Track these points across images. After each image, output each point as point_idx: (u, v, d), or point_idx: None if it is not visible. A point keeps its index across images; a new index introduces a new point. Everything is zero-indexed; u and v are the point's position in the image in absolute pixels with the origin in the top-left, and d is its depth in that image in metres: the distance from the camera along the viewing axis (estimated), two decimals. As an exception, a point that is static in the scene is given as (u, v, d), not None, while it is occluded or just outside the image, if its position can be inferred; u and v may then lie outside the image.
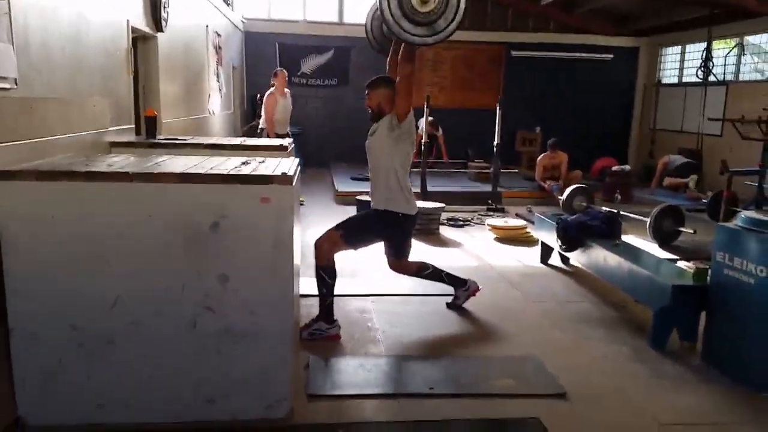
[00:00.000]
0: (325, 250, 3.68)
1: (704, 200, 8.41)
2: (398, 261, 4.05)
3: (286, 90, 8.31)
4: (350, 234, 3.77)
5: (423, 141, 8.57)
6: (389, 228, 3.84)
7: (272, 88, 8.14)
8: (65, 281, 2.55)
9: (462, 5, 3.30)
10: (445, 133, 11.27)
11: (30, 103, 2.93)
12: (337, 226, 3.79)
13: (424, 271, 4.16)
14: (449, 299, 4.36)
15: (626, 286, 4.19)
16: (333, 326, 3.71)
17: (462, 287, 4.27)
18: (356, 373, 3.25)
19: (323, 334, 3.67)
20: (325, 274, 3.67)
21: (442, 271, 4.21)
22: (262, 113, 8.20)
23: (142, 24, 4.97)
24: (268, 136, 7.75)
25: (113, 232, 2.55)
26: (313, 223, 7.07)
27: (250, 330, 2.67)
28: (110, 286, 2.58)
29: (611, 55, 12.91)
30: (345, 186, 9.20)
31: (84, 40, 3.70)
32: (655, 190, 10.04)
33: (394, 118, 3.66)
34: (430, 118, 9.12)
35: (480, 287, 4.34)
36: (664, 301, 3.60)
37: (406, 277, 4.32)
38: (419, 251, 5.95)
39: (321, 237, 3.73)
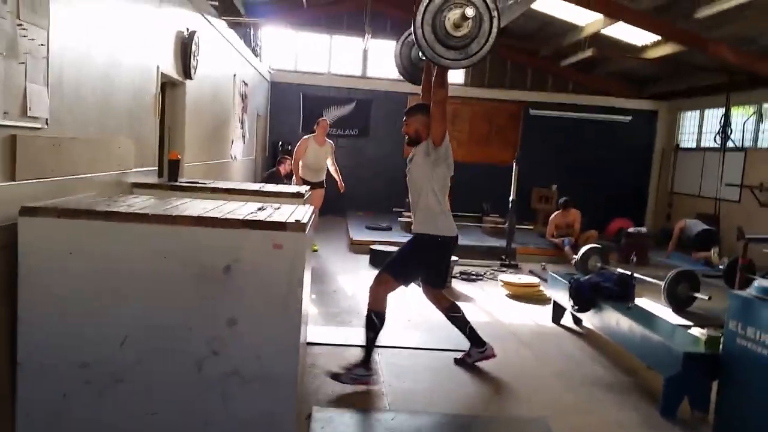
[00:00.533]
0: (378, 293, 3.80)
1: (721, 266, 8.31)
2: (434, 290, 4.07)
3: (327, 140, 8.25)
4: (396, 270, 3.86)
5: None
6: (430, 252, 3.90)
7: (311, 135, 8.24)
8: (77, 317, 2.59)
9: (494, 30, 3.35)
10: (461, 187, 11.38)
11: (59, 142, 3.03)
12: (384, 267, 3.90)
13: (453, 312, 4.14)
14: (459, 354, 4.31)
15: (638, 351, 4.13)
16: (371, 374, 3.78)
17: (479, 348, 4.19)
18: (358, 427, 3.21)
19: (362, 379, 3.73)
20: (376, 317, 3.78)
21: (469, 323, 4.17)
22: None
23: (171, 71, 5.16)
24: (296, 183, 7.67)
25: (128, 271, 2.60)
26: (327, 271, 7.11)
27: (256, 374, 2.68)
28: (121, 324, 2.61)
29: (630, 117, 13.03)
30: (360, 235, 9.26)
31: (115, 82, 3.84)
32: (672, 253, 9.95)
33: (430, 143, 3.80)
34: None
35: (496, 355, 4.22)
36: (675, 368, 3.54)
37: (416, 328, 4.30)
38: (431, 304, 5.92)
39: (374, 282, 3.86)
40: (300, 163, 7.99)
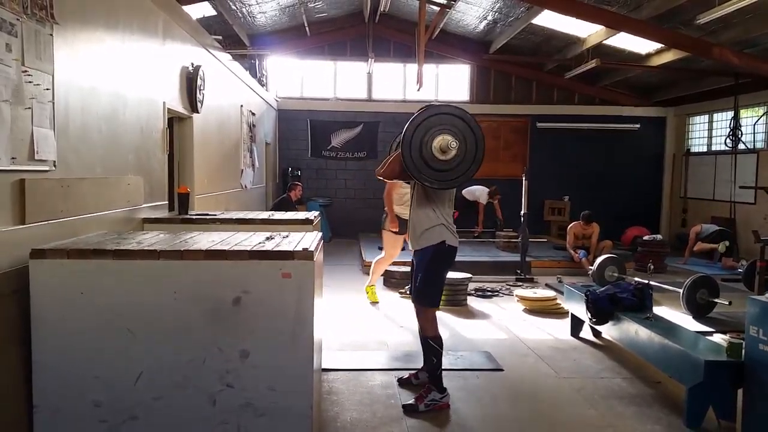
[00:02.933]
0: (426, 323, 3.86)
1: (739, 269, 8.20)
2: (425, 309, 3.90)
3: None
4: (426, 297, 3.88)
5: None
6: (444, 260, 3.88)
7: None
8: (90, 356, 2.60)
9: (472, 170, 3.64)
10: (473, 203, 11.45)
11: (67, 184, 3.08)
12: (417, 301, 3.94)
13: (434, 342, 3.84)
14: (468, 374, 4.32)
15: (659, 362, 4.06)
16: (445, 395, 3.80)
17: (438, 394, 3.82)
18: (378, 452, 3.18)
19: (438, 404, 3.75)
20: (434, 342, 3.82)
21: (441, 366, 3.85)
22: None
23: (178, 106, 5.23)
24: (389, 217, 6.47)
25: (139, 307, 2.62)
26: (340, 294, 7.09)
27: (270, 406, 2.67)
28: (134, 361, 2.62)
29: (638, 125, 12.97)
30: (372, 256, 9.22)
31: (121, 120, 3.91)
32: (689, 259, 9.83)
33: None
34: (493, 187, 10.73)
35: (448, 405, 3.82)
36: (698, 377, 3.47)
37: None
38: (447, 323, 5.89)
39: (418, 318, 3.95)
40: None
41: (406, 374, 4.21)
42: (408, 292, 7.00)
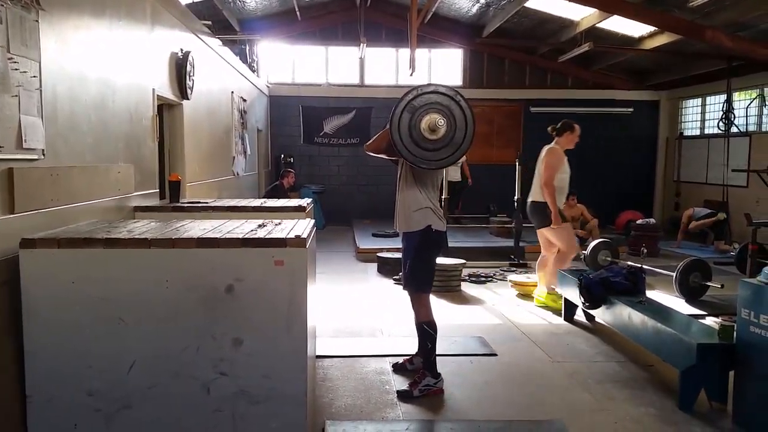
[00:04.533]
0: (419, 308, 3.86)
1: (732, 253, 8.24)
2: (417, 294, 3.89)
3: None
4: (418, 283, 3.88)
5: (444, 197, 8.65)
6: (433, 245, 3.87)
7: (555, 143, 6.10)
8: (83, 346, 2.59)
9: (464, 146, 3.63)
10: (467, 191, 11.45)
11: (56, 172, 3.04)
12: (406, 287, 3.97)
13: (428, 327, 3.83)
14: (462, 359, 4.33)
15: (651, 345, 4.08)
16: (439, 380, 3.81)
17: (432, 379, 3.82)
18: (373, 437, 3.19)
19: (432, 389, 3.75)
20: (429, 327, 3.82)
21: (435, 351, 3.85)
22: (539, 173, 5.86)
23: (167, 92, 5.18)
24: (552, 212, 5.76)
25: (131, 296, 2.60)
26: (335, 281, 7.09)
27: (264, 394, 2.66)
28: (127, 350, 2.61)
29: (631, 109, 12.97)
30: (366, 243, 9.24)
31: (110, 108, 3.86)
32: (682, 243, 9.88)
33: None
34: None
35: (442, 390, 3.82)
36: (690, 360, 3.50)
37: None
38: (440, 309, 5.90)
39: (411, 302, 3.94)
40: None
41: (400, 360, 4.22)
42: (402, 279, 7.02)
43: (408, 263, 3.88)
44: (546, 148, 5.99)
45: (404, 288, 4.03)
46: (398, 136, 3.56)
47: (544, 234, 5.93)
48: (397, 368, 4.16)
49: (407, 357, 4.23)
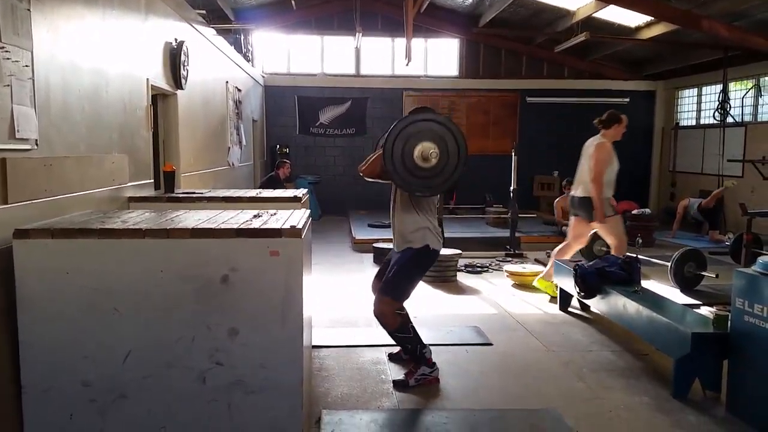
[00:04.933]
0: (387, 317, 3.75)
1: (727, 242, 8.27)
2: (388, 300, 3.78)
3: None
4: (396, 292, 3.79)
5: None
6: (424, 264, 3.87)
7: (601, 136, 5.78)
8: (78, 336, 2.58)
9: (456, 175, 3.65)
10: (463, 180, 11.38)
11: (50, 162, 3.02)
12: (381, 291, 3.82)
13: (399, 332, 3.79)
14: (458, 348, 4.34)
15: (646, 334, 4.10)
16: (434, 369, 3.81)
17: (427, 368, 3.85)
18: (369, 428, 3.20)
19: (428, 377, 3.77)
20: (401, 333, 3.76)
21: (419, 347, 3.80)
22: (588, 169, 5.58)
23: (161, 82, 5.14)
24: (596, 208, 5.47)
25: (126, 287, 2.59)
26: (331, 271, 7.09)
27: (260, 383, 2.66)
28: (123, 340, 2.61)
29: (627, 99, 12.96)
30: (362, 234, 9.24)
31: (103, 98, 3.84)
32: (677, 233, 9.91)
33: None
34: None
35: (438, 379, 3.86)
36: (685, 349, 3.51)
37: (422, 326, 4.27)
38: (436, 299, 5.92)
39: (375, 307, 3.80)
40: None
41: (396, 349, 4.23)
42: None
43: (395, 270, 3.81)
44: (593, 142, 5.75)
45: (379, 289, 3.85)
46: (392, 165, 3.55)
47: (593, 227, 5.77)
48: (393, 358, 4.17)
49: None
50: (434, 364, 3.83)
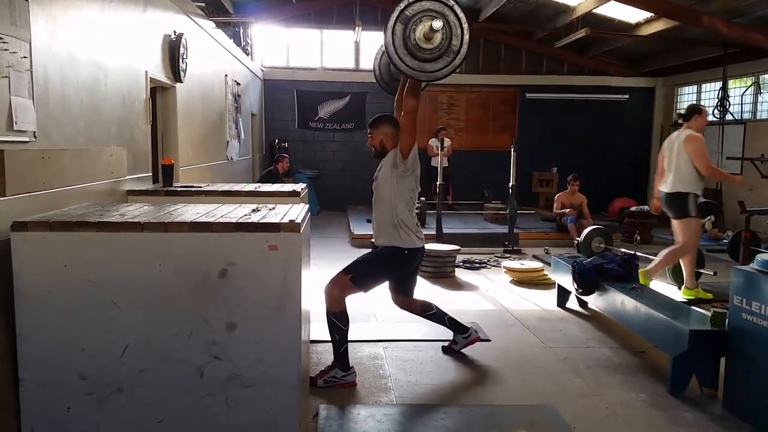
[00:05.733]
0: (335, 295, 3.62)
1: (725, 240, 8.28)
2: (403, 299, 4.05)
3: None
4: (359, 276, 3.70)
5: (439, 183, 8.65)
6: (396, 265, 3.81)
7: (687, 128, 5.72)
8: (76, 329, 2.58)
9: (463, 51, 3.41)
10: (460, 175, 11.41)
11: (48, 155, 3.01)
12: (345, 269, 3.73)
13: (427, 311, 4.12)
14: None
15: (644, 331, 4.10)
16: (349, 373, 3.66)
17: (462, 334, 4.22)
18: (366, 422, 3.20)
19: (338, 381, 3.62)
20: (337, 320, 3.61)
21: (446, 314, 4.19)
22: (692, 161, 5.50)
23: (160, 75, 5.13)
24: (728, 179, 5.99)
25: (124, 280, 2.59)
26: (329, 266, 7.08)
27: (257, 378, 2.66)
28: (120, 333, 2.60)
29: (627, 96, 12.96)
30: (361, 228, 9.23)
31: (102, 90, 3.82)
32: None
33: (398, 154, 3.66)
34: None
35: (480, 336, 4.31)
36: (682, 346, 3.52)
37: (420, 321, 4.29)
38: (434, 295, 5.91)
39: (329, 282, 3.68)
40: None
41: (446, 342, 4.29)
42: None
43: (369, 256, 3.77)
44: (681, 135, 5.68)
45: (344, 267, 3.75)
46: (393, 49, 3.35)
47: (675, 224, 5.74)
48: (446, 350, 4.24)
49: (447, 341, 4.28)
50: (351, 367, 3.68)
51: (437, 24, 3.28)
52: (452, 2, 3.38)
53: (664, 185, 5.74)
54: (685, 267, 5.77)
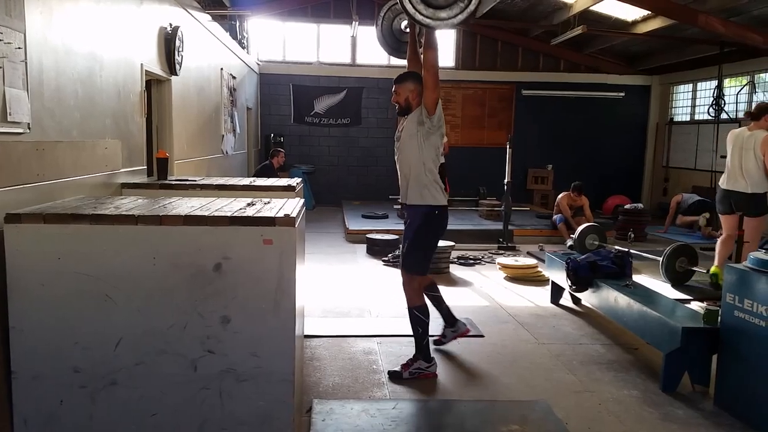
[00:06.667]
0: (411, 292, 3.78)
1: (718, 238, 8.31)
2: (417, 277, 3.81)
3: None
4: (414, 265, 3.79)
5: None
6: (433, 229, 3.82)
7: (757, 128, 5.74)
8: (69, 322, 2.57)
9: None
10: (455, 171, 11.40)
11: (42, 147, 3.00)
12: (405, 268, 3.81)
13: (418, 311, 3.85)
14: (453, 341, 4.35)
15: (637, 328, 4.12)
16: (431, 364, 3.79)
17: (452, 327, 4.29)
18: (360, 417, 3.21)
19: (423, 372, 3.75)
20: (420, 313, 3.77)
21: (426, 336, 3.87)
22: (760, 159, 5.55)
23: (156, 68, 5.10)
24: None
25: (118, 273, 2.58)
26: (324, 261, 7.09)
27: (252, 371, 2.66)
28: (114, 326, 2.59)
29: (623, 93, 12.98)
30: (356, 224, 9.23)
31: (97, 83, 3.80)
32: (669, 228, 9.96)
33: (423, 111, 3.64)
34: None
35: (470, 330, 4.37)
36: (675, 343, 3.54)
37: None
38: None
39: (403, 283, 3.83)
40: None
41: (436, 336, 4.29)
42: (391, 260, 7.02)
43: (407, 243, 3.78)
44: (756, 135, 5.68)
45: (402, 267, 3.85)
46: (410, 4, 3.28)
47: (750, 224, 5.67)
48: (437, 342, 4.26)
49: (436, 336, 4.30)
50: (433, 359, 3.82)
51: None
52: None
53: (734, 184, 5.77)
54: (726, 253, 5.86)
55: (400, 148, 3.79)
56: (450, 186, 11.35)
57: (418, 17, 3.33)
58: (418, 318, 3.77)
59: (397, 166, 3.84)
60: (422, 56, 3.65)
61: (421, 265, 3.82)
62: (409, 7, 3.30)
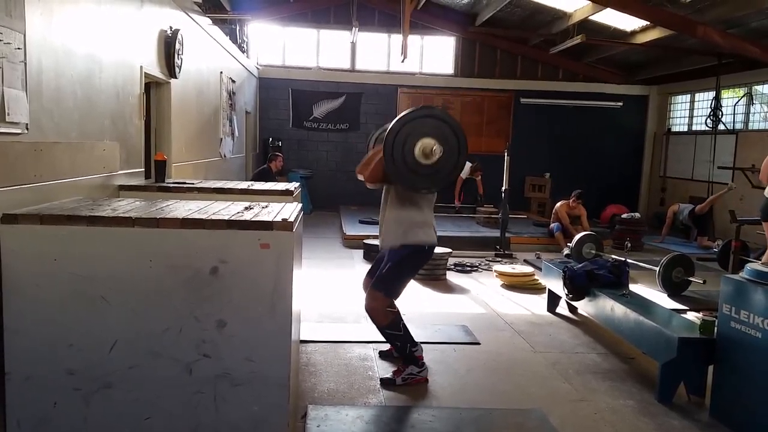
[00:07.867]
0: (378, 311, 3.72)
1: (715, 249, 8.33)
2: (381, 296, 3.74)
3: None
4: (389, 288, 3.75)
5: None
6: (418, 264, 3.87)
7: None
8: (64, 324, 2.55)
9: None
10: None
11: (40, 147, 2.99)
12: (375, 285, 3.76)
13: (389, 329, 3.75)
14: (445, 347, 4.35)
15: (633, 338, 4.11)
16: (423, 369, 3.78)
17: (416, 368, 3.83)
18: (355, 423, 3.19)
19: (416, 377, 3.74)
20: (391, 330, 3.73)
21: (408, 345, 3.77)
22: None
23: (155, 70, 5.10)
24: None
25: (114, 275, 2.57)
26: (321, 266, 7.08)
27: (247, 376, 2.65)
28: (109, 329, 2.58)
29: (620, 103, 13.02)
30: (353, 229, 9.22)
31: (96, 84, 3.80)
32: (665, 238, 9.97)
33: None
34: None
35: (426, 379, 3.83)
36: (671, 354, 3.53)
37: (409, 323, 4.26)
38: (425, 297, 5.92)
39: (367, 301, 3.76)
40: None
41: (386, 347, 4.22)
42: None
43: (389, 266, 3.74)
44: None
45: (371, 285, 3.79)
46: (394, 166, 3.50)
47: None
48: (383, 355, 4.16)
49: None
50: (424, 363, 3.81)
51: (436, 147, 3.46)
52: (450, 120, 3.59)
53: None
54: None
55: (390, 188, 3.85)
56: (446, 193, 11.47)
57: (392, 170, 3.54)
58: (392, 335, 3.74)
59: (384, 208, 3.91)
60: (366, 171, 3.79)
61: (395, 291, 3.79)
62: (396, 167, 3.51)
